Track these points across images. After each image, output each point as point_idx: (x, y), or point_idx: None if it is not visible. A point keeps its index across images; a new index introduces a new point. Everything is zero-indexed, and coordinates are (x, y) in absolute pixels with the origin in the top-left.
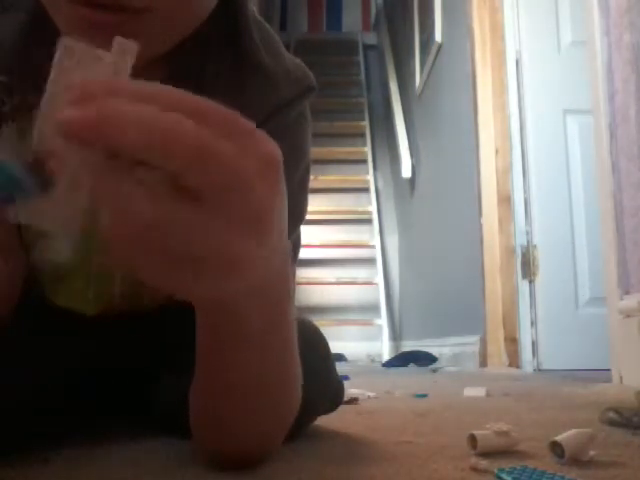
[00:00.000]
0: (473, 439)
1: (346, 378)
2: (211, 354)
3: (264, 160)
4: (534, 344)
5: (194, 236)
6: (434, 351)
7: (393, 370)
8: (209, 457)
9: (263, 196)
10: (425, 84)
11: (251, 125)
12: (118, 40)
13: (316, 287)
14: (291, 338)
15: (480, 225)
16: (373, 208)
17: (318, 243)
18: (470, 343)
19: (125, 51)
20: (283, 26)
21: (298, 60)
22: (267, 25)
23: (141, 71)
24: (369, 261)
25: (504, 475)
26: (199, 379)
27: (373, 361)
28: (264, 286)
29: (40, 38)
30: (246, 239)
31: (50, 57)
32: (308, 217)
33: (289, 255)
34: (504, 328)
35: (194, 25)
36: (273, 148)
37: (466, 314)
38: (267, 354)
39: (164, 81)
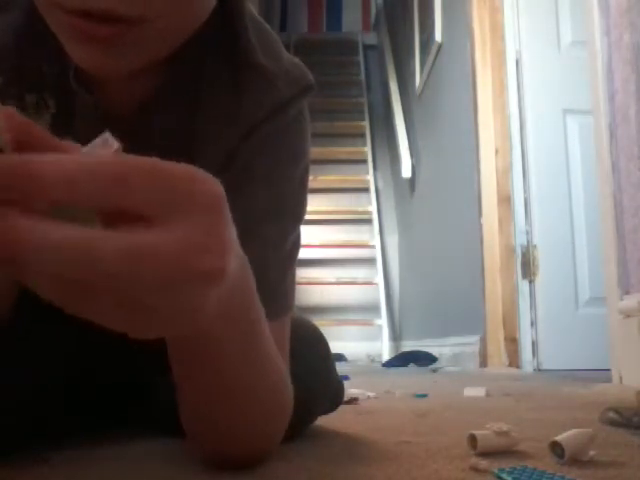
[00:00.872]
0: (473, 439)
1: (346, 378)
2: (184, 377)
3: (205, 207)
4: (534, 344)
5: (144, 291)
6: (434, 351)
7: (393, 370)
8: (207, 458)
9: (213, 260)
10: (425, 84)
11: (184, 172)
12: (104, 136)
13: (316, 287)
14: (264, 346)
15: (480, 225)
16: (373, 208)
17: (318, 243)
18: (470, 343)
19: (108, 146)
20: (283, 26)
21: (297, 60)
22: (266, 25)
23: (140, 76)
24: (369, 261)
25: (504, 475)
26: (179, 391)
27: (373, 361)
28: (226, 311)
29: (36, 38)
30: (203, 291)
31: (45, 57)
32: (308, 217)
33: (247, 266)
34: (504, 328)
35: (192, 31)
36: (211, 188)
37: (466, 314)
38: (240, 368)
39: (163, 83)
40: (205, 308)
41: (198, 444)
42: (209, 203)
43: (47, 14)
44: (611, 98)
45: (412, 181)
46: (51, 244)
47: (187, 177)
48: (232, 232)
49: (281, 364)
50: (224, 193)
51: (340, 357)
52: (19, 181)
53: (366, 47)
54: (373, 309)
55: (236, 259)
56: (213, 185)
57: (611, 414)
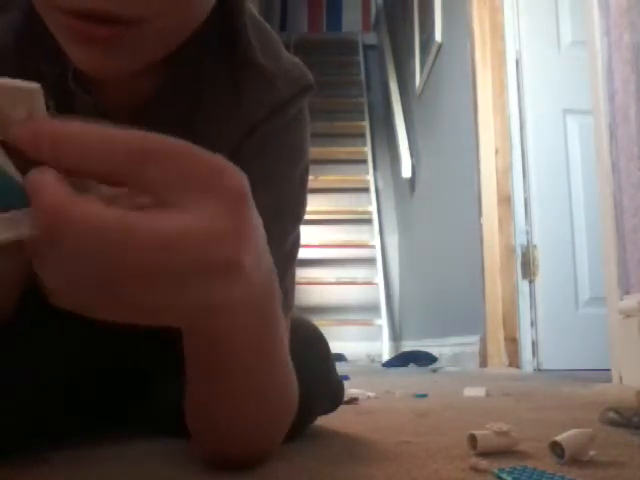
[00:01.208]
0: (473, 439)
1: (346, 378)
2: (197, 373)
3: (231, 199)
4: (534, 344)
5: (173, 289)
6: (434, 351)
7: (393, 370)
8: (208, 457)
9: (234, 242)
10: (425, 84)
11: (213, 162)
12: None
13: (316, 287)
14: (280, 353)
15: (480, 225)
16: (373, 208)
17: (318, 243)
18: (470, 343)
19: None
20: (283, 26)
21: (297, 59)
22: (266, 24)
23: (139, 76)
24: (369, 261)
25: (504, 475)
26: (190, 390)
27: (373, 361)
28: (248, 313)
29: (34, 39)
30: (223, 284)
31: (44, 58)
32: (308, 217)
33: (274, 272)
34: (504, 328)
35: (191, 30)
36: (238, 182)
37: (466, 314)
38: (253, 371)
39: (162, 83)
40: (226, 303)
41: (199, 443)
42: (236, 196)
43: (46, 15)
44: (611, 98)
45: (412, 181)
46: (93, 222)
47: (217, 167)
48: (258, 228)
49: (292, 368)
50: (249, 188)
51: (340, 357)
52: (47, 145)
53: (366, 47)
54: (373, 309)
55: (260, 258)
56: (241, 179)
57: (611, 414)
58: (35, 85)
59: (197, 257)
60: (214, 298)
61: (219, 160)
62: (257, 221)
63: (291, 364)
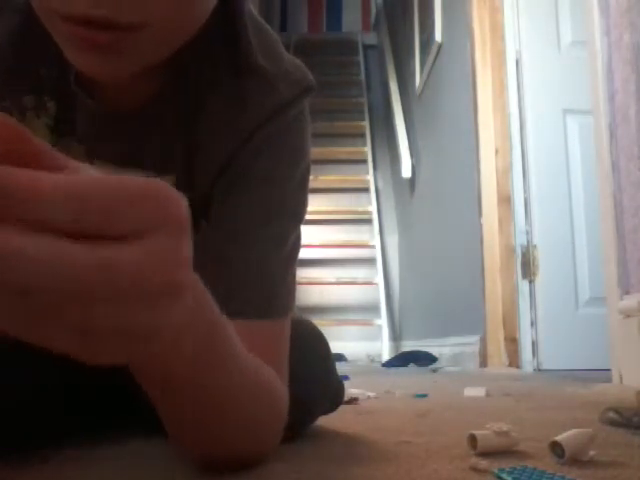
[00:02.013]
0: (473, 439)
1: (346, 378)
2: (156, 400)
3: (172, 230)
4: (534, 344)
5: (109, 302)
6: (434, 351)
7: (393, 370)
8: (196, 462)
9: (174, 273)
10: (425, 84)
11: (154, 190)
12: None
13: (316, 287)
14: (234, 360)
15: (480, 225)
16: (373, 208)
17: (318, 243)
18: (470, 343)
19: None
20: (283, 26)
21: (297, 60)
22: (266, 25)
23: (140, 79)
24: (369, 261)
25: (504, 475)
26: (158, 411)
27: (373, 361)
28: (184, 331)
29: (34, 41)
30: (165, 307)
31: (44, 60)
32: (308, 217)
33: (202, 286)
34: (504, 328)
35: (191, 34)
36: (180, 209)
37: (466, 314)
38: (210, 390)
39: (163, 86)
40: (167, 326)
41: (188, 454)
42: (178, 224)
43: (47, 21)
44: (611, 98)
45: (412, 181)
46: (19, 252)
47: (160, 197)
48: (191, 250)
49: (266, 372)
50: (189, 213)
51: (340, 357)
52: None
53: (366, 47)
54: (373, 309)
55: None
56: (182, 206)
57: (611, 414)
58: None
59: (138, 279)
60: (156, 320)
61: (161, 189)
62: (190, 243)
63: (267, 368)
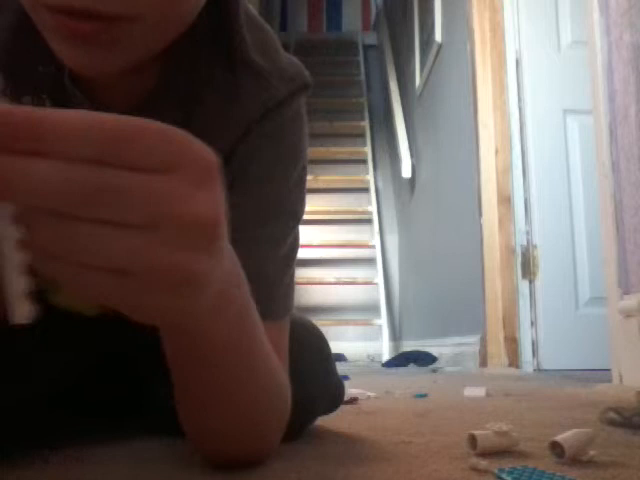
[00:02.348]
0: (473, 439)
1: (346, 378)
2: (180, 372)
3: (199, 169)
4: (534, 344)
5: (140, 259)
6: (434, 351)
7: (393, 370)
8: (205, 457)
9: (204, 207)
10: (425, 84)
11: (179, 136)
12: None
13: (316, 287)
14: (260, 346)
15: (480, 225)
16: (373, 208)
17: (318, 243)
18: (470, 343)
19: None
20: (283, 26)
21: (294, 58)
22: (263, 23)
23: (133, 75)
24: (369, 261)
25: (504, 475)
26: (177, 394)
27: (373, 361)
28: (222, 298)
29: (31, 39)
30: (196, 253)
31: (41, 58)
32: (308, 217)
33: (238, 264)
34: (504, 328)
35: (179, 30)
36: (206, 154)
37: (466, 314)
38: (234, 365)
39: (157, 82)
40: (208, 274)
41: (197, 444)
42: (205, 165)
43: (32, 13)
44: (611, 98)
45: (412, 181)
46: (40, 177)
47: (187, 141)
48: (224, 206)
49: (278, 365)
50: (219, 162)
51: (340, 357)
52: (28, 133)
53: (366, 47)
54: (373, 309)
55: (227, 246)
56: (211, 153)
57: (611, 414)
58: None
59: (169, 212)
60: (187, 261)
61: (189, 137)
62: (223, 194)
63: (279, 363)
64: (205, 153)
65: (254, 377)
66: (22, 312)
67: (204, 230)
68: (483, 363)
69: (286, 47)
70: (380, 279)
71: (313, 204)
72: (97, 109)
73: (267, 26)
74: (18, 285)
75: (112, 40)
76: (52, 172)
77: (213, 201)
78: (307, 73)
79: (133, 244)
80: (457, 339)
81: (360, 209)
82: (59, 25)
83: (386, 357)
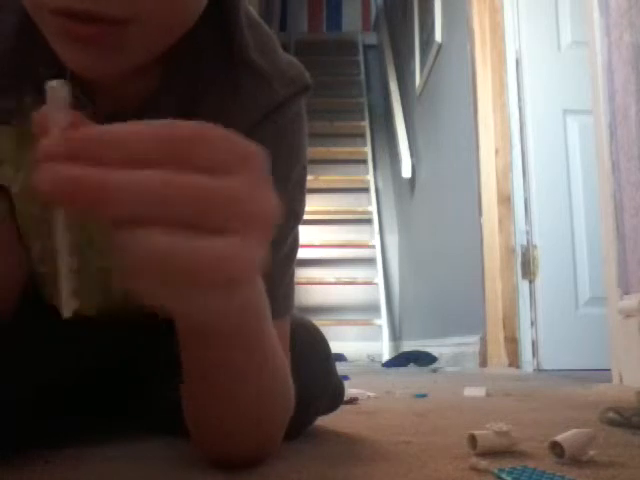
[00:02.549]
0: (473, 439)
1: (346, 378)
2: (193, 377)
3: (259, 168)
4: (534, 344)
5: (211, 259)
6: (434, 351)
7: (393, 370)
8: (208, 457)
9: (268, 205)
10: (425, 84)
11: (239, 138)
12: (50, 84)
13: (316, 287)
14: (272, 347)
15: (480, 225)
16: (373, 208)
17: (318, 243)
18: (470, 343)
19: (58, 93)
20: (283, 26)
21: (294, 59)
22: (263, 24)
23: (135, 77)
24: (369, 261)
25: (504, 475)
26: (187, 391)
27: (373, 361)
28: (247, 303)
29: (33, 40)
30: (258, 248)
31: (43, 59)
32: (308, 217)
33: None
34: (504, 328)
35: (181, 32)
36: (255, 152)
37: (466, 314)
38: (251, 368)
39: (159, 84)
40: (254, 264)
41: (199, 443)
42: (260, 163)
43: (35, 15)
44: (611, 98)
45: (412, 181)
46: (131, 186)
47: (245, 142)
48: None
49: (284, 364)
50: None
51: (340, 357)
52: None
53: (366, 47)
54: (373, 309)
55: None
56: (258, 148)
57: (611, 414)
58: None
59: (241, 213)
60: (248, 255)
61: (237, 138)
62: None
63: (286, 362)
64: (257, 149)
65: (266, 377)
66: (70, 307)
67: (268, 226)
68: (483, 363)
69: (286, 47)
70: (380, 279)
71: (313, 204)
72: (99, 110)
73: (267, 27)
74: (69, 283)
75: (114, 43)
76: (142, 177)
77: (273, 199)
78: (307, 74)
79: (201, 244)
80: (457, 339)
81: (360, 209)
82: (61, 28)
83: (386, 357)
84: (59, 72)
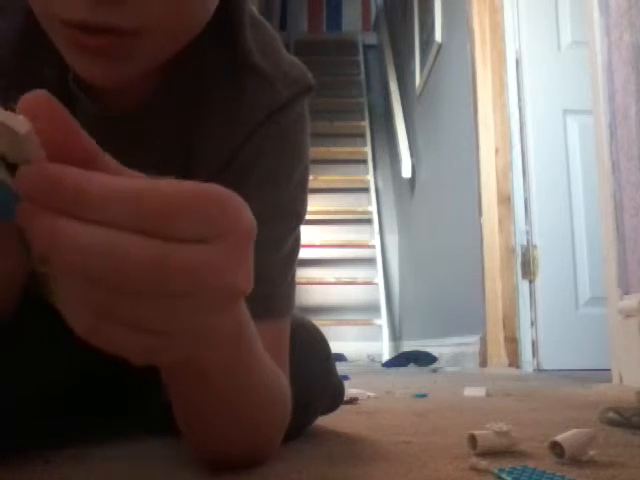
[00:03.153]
0: (473, 439)
1: (346, 378)
2: (177, 395)
3: (241, 236)
4: (534, 344)
5: (172, 322)
6: (434, 351)
7: (393, 370)
8: (203, 461)
9: (242, 278)
10: (425, 84)
11: (226, 202)
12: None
13: (316, 287)
14: (258, 371)
15: (480, 225)
16: (373, 208)
17: (318, 243)
18: (470, 343)
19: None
20: (283, 26)
21: (297, 60)
22: (267, 25)
23: (136, 81)
24: (369, 261)
25: (504, 475)
26: (176, 408)
27: (373, 361)
28: (230, 342)
29: (37, 41)
30: (223, 313)
31: (46, 60)
32: (308, 217)
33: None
34: (504, 328)
35: (189, 38)
36: (248, 219)
37: (466, 314)
38: (234, 384)
39: (162, 86)
40: (222, 328)
41: (196, 452)
42: (245, 232)
43: (45, 24)
44: (611, 98)
45: (412, 181)
46: (82, 243)
47: (227, 203)
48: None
49: (277, 373)
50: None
51: (340, 357)
52: (68, 194)
53: (366, 47)
54: (373, 309)
55: None
56: (249, 215)
57: (611, 414)
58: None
59: (214, 283)
60: (217, 322)
61: (233, 198)
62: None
63: (278, 371)
64: (247, 217)
65: (255, 391)
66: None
67: (237, 297)
68: (483, 363)
69: (286, 47)
70: (380, 279)
71: (313, 204)
72: (102, 111)
73: (270, 27)
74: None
75: (123, 53)
76: (101, 241)
77: (249, 271)
78: (310, 75)
79: (171, 310)
80: (457, 339)
81: (360, 209)
82: (71, 38)
83: (386, 357)
84: (62, 72)
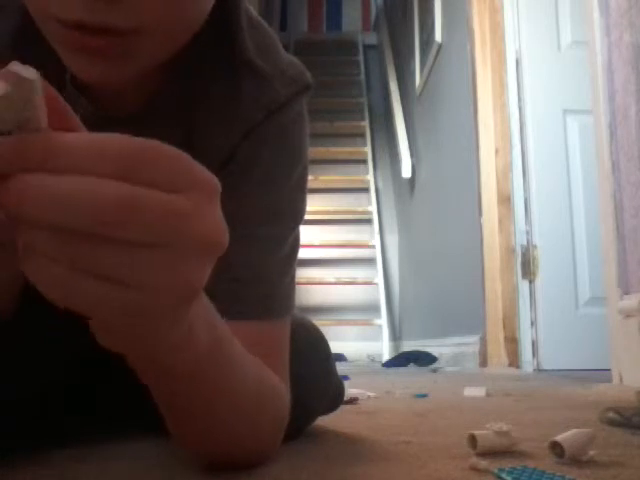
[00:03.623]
0: (473, 439)
1: (346, 378)
2: (156, 389)
3: (207, 190)
4: (534, 344)
5: (148, 274)
6: (434, 351)
7: (393, 370)
8: (202, 462)
9: (214, 225)
10: (425, 84)
11: (188, 158)
12: (15, 68)
13: (316, 287)
14: (238, 375)
15: (480, 225)
16: (373, 208)
17: (318, 243)
18: (470, 343)
19: (24, 80)
20: (283, 26)
21: (295, 59)
22: (264, 24)
23: (134, 81)
24: (369, 261)
25: (504, 475)
26: (163, 413)
27: (373, 361)
28: (196, 325)
29: (34, 40)
30: (200, 268)
31: (44, 60)
32: (308, 217)
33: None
34: (504, 328)
35: (187, 38)
36: (211, 177)
37: (466, 314)
38: (211, 379)
39: (160, 86)
40: (195, 287)
41: (190, 450)
42: (212, 187)
43: (42, 24)
44: (611, 98)
45: (412, 181)
46: (50, 191)
47: (196, 164)
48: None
49: (262, 368)
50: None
51: (340, 357)
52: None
53: (366, 47)
54: (373, 309)
55: None
56: (212, 175)
57: (611, 414)
58: (30, 75)
59: (185, 230)
60: (190, 274)
61: (196, 162)
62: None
63: (262, 365)
64: (210, 175)
65: (235, 394)
66: None
67: (214, 247)
68: (483, 363)
69: (286, 47)
70: (380, 279)
71: (313, 204)
72: (100, 112)
73: (268, 27)
74: None
75: (123, 53)
76: (69, 186)
77: (221, 219)
78: (308, 74)
79: (142, 260)
80: (457, 339)
81: (360, 209)
82: (68, 38)
83: (386, 357)
84: (59, 72)
